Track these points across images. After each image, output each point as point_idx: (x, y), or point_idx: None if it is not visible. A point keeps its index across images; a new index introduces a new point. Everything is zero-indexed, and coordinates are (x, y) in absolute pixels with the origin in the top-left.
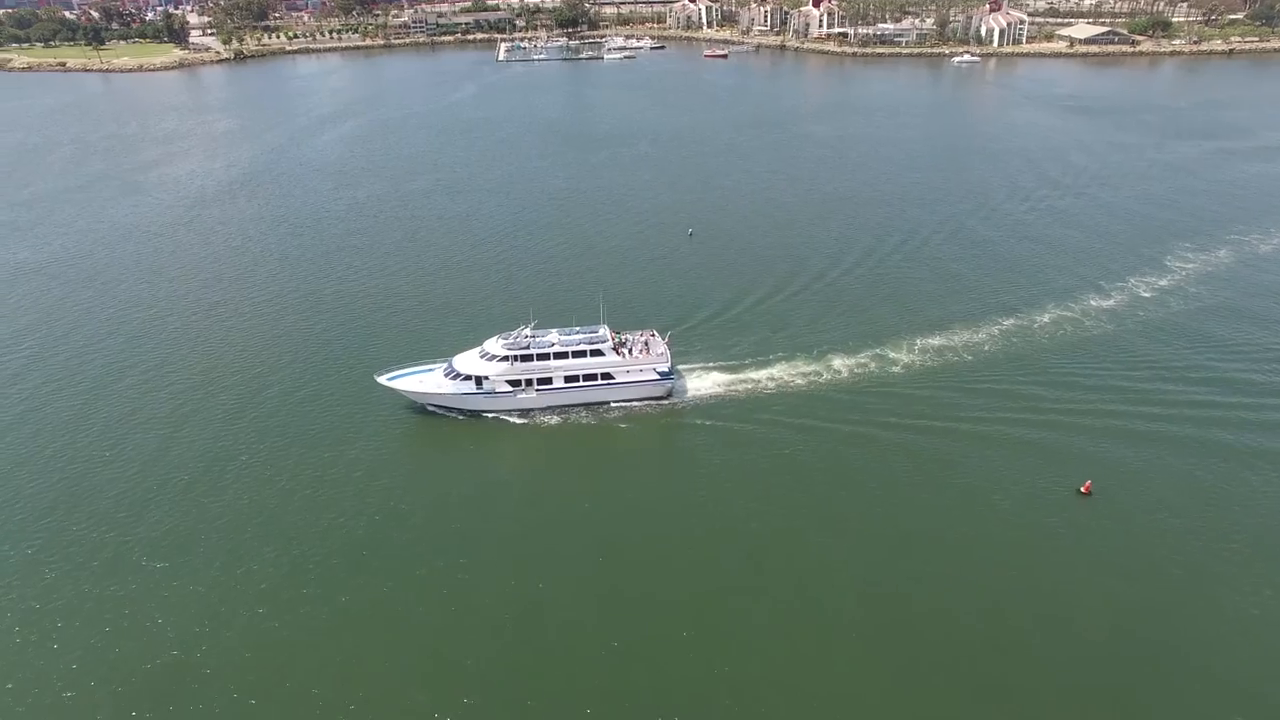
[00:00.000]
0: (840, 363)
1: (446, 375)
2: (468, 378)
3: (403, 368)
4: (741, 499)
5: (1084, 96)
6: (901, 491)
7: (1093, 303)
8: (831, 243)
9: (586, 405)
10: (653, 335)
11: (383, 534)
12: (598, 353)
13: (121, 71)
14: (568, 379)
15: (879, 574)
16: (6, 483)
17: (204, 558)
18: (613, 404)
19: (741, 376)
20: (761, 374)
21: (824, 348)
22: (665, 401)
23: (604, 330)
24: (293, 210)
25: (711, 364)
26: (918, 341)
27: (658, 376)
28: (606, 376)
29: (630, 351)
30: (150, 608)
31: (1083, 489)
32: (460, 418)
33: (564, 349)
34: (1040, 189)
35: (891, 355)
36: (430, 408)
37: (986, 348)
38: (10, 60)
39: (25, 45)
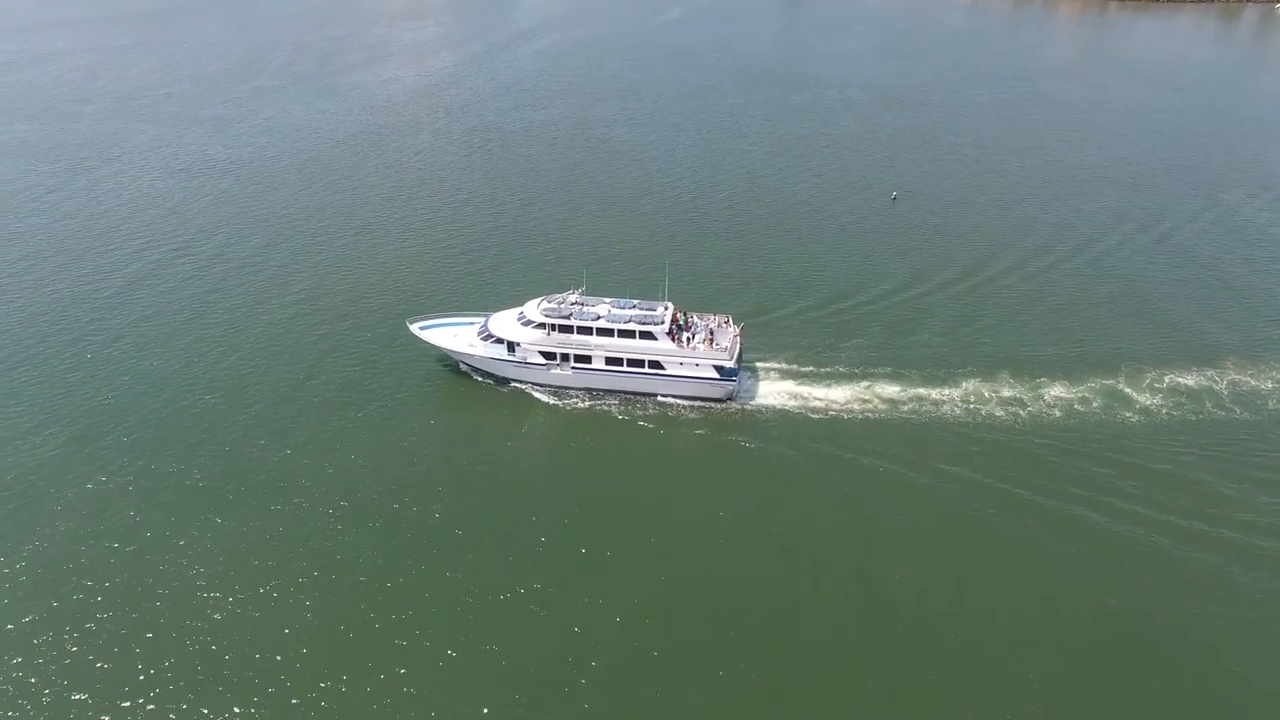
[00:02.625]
0: (1006, 394)
1: (480, 334)
2: (499, 341)
3: (441, 315)
4: (810, 572)
5: None
6: (1118, 615)
7: None
8: (1052, 227)
9: (628, 394)
10: (725, 322)
11: (373, 509)
12: (648, 335)
13: None
14: (609, 360)
15: None
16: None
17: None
18: (660, 398)
19: (847, 391)
20: (869, 391)
21: (1003, 366)
22: (724, 406)
23: (662, 309)
24: (471, 127)
25: (813, 369)
26: (1164, 379)
27: (716, 374)
28: (655, 365)
29: (691, 339)
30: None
31: None
32: (489, 383)
33: (609, 325)
34: None
35: (1124, 392)
36: (463, 366)
37: (1271, 405)
38: None
39: None
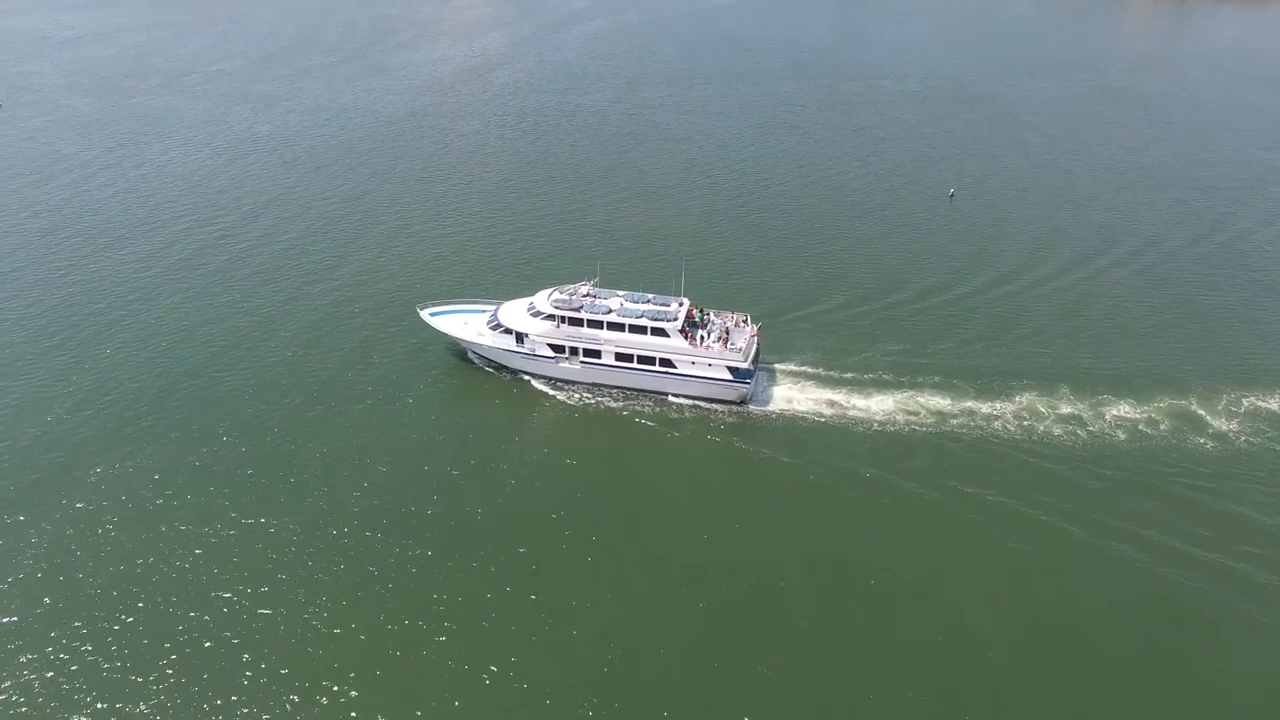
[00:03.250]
0: (1062, 410)
1: (489, 323)
2: (508, 331)
3: (453, 301)
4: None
5: None
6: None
7: None
8: (1121, 229)
9: (639, 392)
10: (744, 320)
11: (384, 511)
12: (660, 332)
13: None
14: (619, 356)
15: None
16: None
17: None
18: (671, 398)
19: (886, 401)
20: (913, 402)
21: (1047, 379)
22: (738, 409)
23: (676, 305)
24: (517, 110)
25: (853, 375)
26: (1242, 401)
27: (729, 376)
28: (666, 363)
29: (705, 337)
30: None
31: None
32: (497, 374)
33: (620, 319)
34: None
35: (1197, 414)
36: (472, 355)
37: None
38: None
39: None
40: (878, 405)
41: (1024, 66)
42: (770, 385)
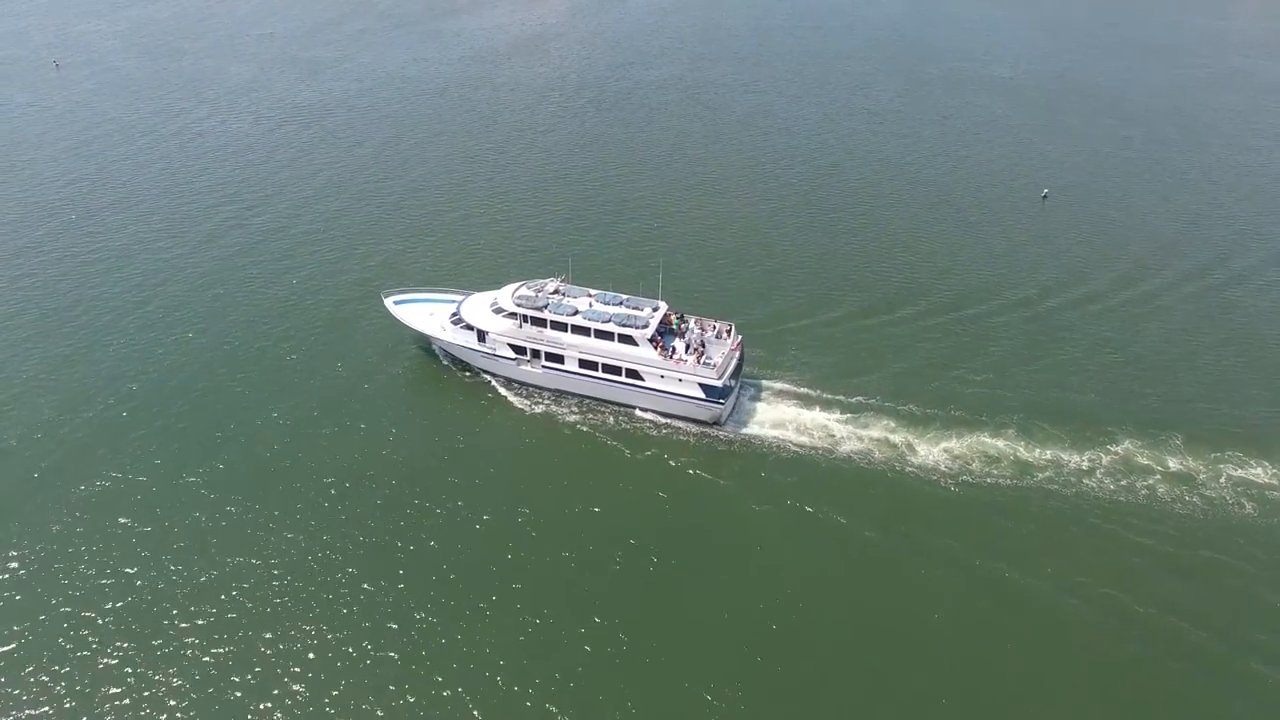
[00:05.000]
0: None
1: (451, 317)
2: (469, 327)
3: (420, 290)
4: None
5: None
6: None
7: None
8: (1250, 245)
9: (605, 404)
10: (726, 331)
11: (363, 535)
12: (627, 339)
13: None
14: (583, 363)
15: None
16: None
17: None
18: (639, 412)
19: (940, 445)
20: (980, 443)
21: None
22: (711, 431)
23: (650, 310)
24: (573, 84)
25: (913, 408)
26: None
27: (701, 394)
28: (633, 374)
29: (680, 348)
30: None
31: None
32: (463, 373)
33: (585, 323)
34: None
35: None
36: (436, 349)
37: None
38: None
39: None
40: (938, 451)
41: (1131, 51)
42: (755, 407)
